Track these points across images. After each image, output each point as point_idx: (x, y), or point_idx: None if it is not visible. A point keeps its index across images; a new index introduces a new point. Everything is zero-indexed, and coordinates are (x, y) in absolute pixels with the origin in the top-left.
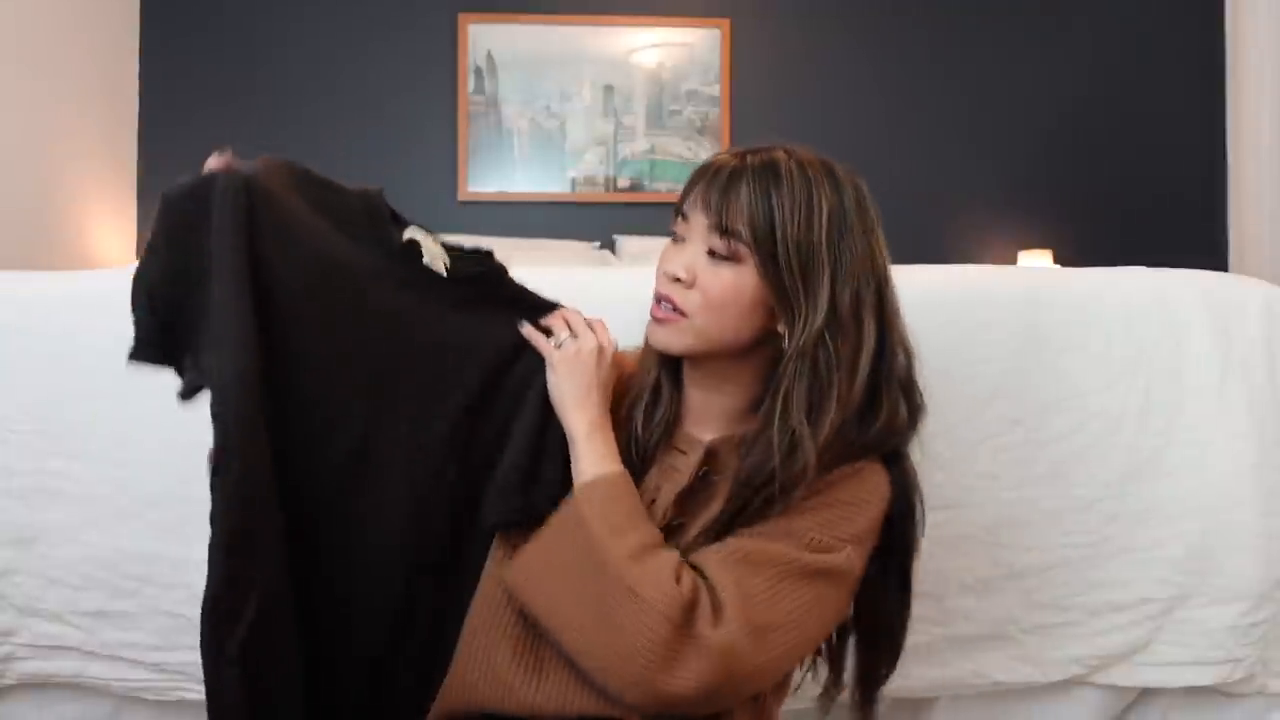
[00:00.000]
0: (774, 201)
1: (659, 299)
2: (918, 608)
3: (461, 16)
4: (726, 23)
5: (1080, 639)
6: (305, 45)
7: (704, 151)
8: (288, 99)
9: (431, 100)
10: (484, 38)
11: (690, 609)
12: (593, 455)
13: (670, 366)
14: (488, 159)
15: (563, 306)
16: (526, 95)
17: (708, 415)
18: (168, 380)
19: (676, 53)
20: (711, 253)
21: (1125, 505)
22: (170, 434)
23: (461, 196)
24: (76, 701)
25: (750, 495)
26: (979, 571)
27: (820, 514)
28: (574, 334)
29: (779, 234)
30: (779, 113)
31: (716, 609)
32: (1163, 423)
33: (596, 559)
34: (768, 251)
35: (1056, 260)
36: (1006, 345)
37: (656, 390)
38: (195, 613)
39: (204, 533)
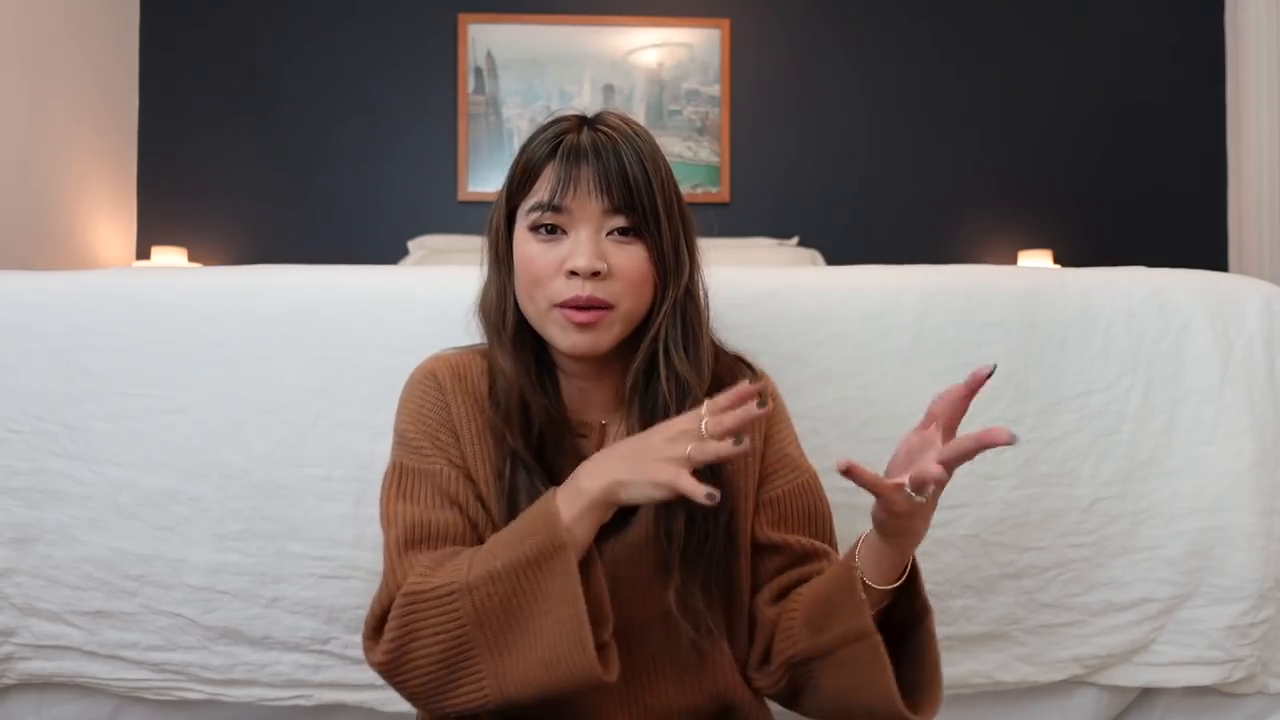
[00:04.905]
0: (647, 167)
1: (577, 303)
2: None
3: (461, 16)
4: (726, 23)
5: (1081, 639)
6: (305, 45)
7: (704, 151)
8: (288, 99)
9: (431, 100)
10: (484, 38)
11: None
12: None
13: (532, 372)
14: (488, 159)
15: None
16: (526, 95)
17: (586, 406)
18: (168, 380)
19: (676, 53)
20: (610, 233)
21: (1125, 505)
22: (169, 434)
23: (461, 196)
24: (76, 701)
25: None
26: (979, 571)
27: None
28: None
29: (658, 197)
30: (779, 113)
31: None
32: (1163, 423)
33: None
34: (654, 217)
35: (1056, 260)
36: (1006, 345)
37: (524, 405)
38: (194, 613)
39: (204, 533)
